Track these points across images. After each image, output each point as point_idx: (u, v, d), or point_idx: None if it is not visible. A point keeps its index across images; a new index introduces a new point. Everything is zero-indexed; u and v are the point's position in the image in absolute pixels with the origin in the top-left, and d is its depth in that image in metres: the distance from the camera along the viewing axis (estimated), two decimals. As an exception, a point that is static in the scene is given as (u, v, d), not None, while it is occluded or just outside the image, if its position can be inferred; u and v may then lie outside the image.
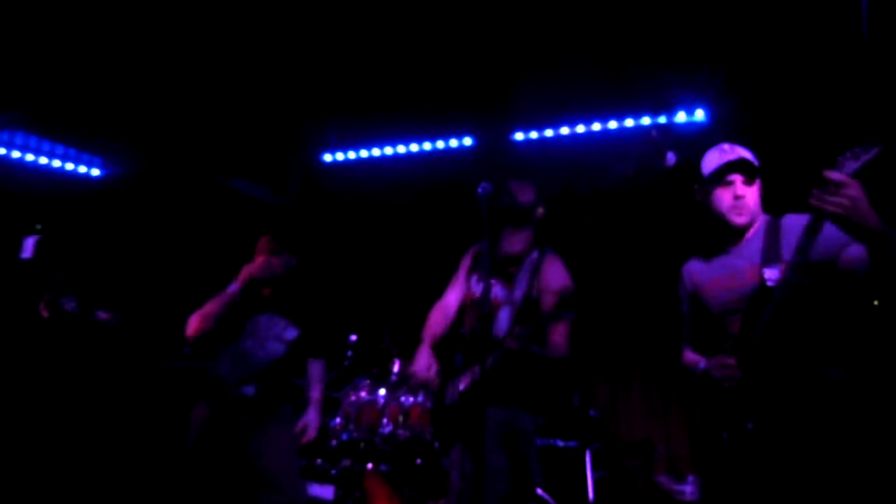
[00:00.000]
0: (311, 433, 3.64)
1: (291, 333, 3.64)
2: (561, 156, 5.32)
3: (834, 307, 2.47)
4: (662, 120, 5.06)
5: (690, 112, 5.01)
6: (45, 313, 4.36)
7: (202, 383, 3.61)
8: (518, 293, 3.10)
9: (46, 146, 6.10)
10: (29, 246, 4.54)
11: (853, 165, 2.21)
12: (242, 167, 6.12)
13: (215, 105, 5.33)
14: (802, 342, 2.42)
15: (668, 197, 4.90)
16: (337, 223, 6.31)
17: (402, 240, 6.13)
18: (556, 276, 3.12)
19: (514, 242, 3.21)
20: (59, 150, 6.18)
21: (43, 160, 6.06)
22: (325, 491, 4.37)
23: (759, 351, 2.43)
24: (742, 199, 2.57)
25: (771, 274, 2.45)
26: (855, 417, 2.43)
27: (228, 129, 5.67)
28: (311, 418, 3.66)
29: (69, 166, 6.25)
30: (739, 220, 2.59)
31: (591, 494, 4.18)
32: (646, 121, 5.15)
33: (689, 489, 4.58)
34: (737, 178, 2.58)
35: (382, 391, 4.68)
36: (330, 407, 4.88)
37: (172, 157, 6.02)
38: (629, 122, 5.20)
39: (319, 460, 4.63)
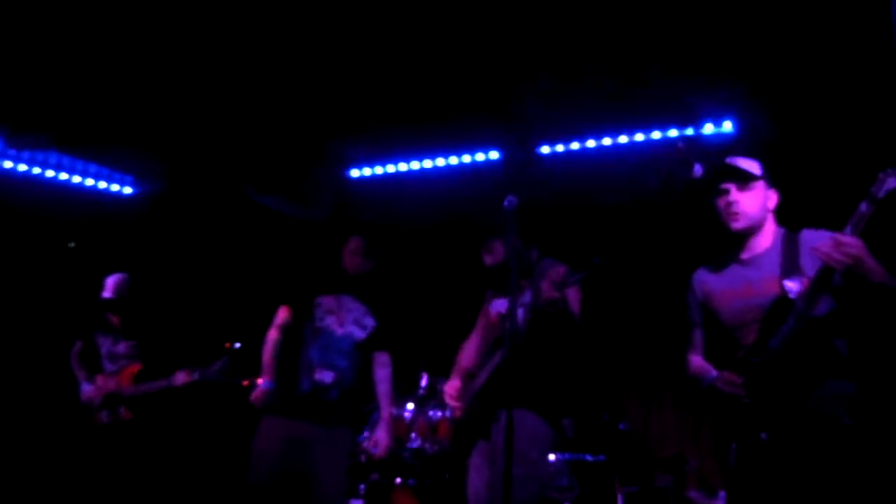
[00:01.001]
0: (381, 451, 3.72)
1: (370, 322, 3.80)
2: (587, 169, 5.31)
3: (847, 330, 2.56)
4: (690, 132, 5.03)
5: (718, 124, 4.98)
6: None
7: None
8: (527, 296, 3.15)
9: (79, 165, 6.21)
10: (110, 284, 4.60)
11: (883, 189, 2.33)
12: (273, 184, 6.19)
13: (244, 121, 5.39)
14: (819, 357, 2.47)
15: (698, 210, 4.87)
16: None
17: (428, 253, 6.14)
18: (552, 269, 3.14)
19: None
20: (92, 168, 6.29)
21: (76, 179, 6.17)
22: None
23: (776, 362, 2.47)
24: (735, 204, 2.65)
25: (792, 286, 2.51)
26: (866, 432, 2.48)
27: (258, 146, 5.74)
28: (382, 436, 3.74)
29: (102, 185, 6.36)
30: (735, 224, 2.67)
31: (621, 510, 4.15)
32: (673, 133, 5.12)
33: (720, 504, 4.51)
34: (730, 186, 2.67)
35: (410, 405, 4.69)
36: (359, 421, 4.90)
37: (203, 174, 6.10)
38: (656, 135, 5.17)
39: (348, 475, 4.63)
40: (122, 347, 4.55)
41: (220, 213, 6.36)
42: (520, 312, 3.10)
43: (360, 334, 3.77)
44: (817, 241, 2.48)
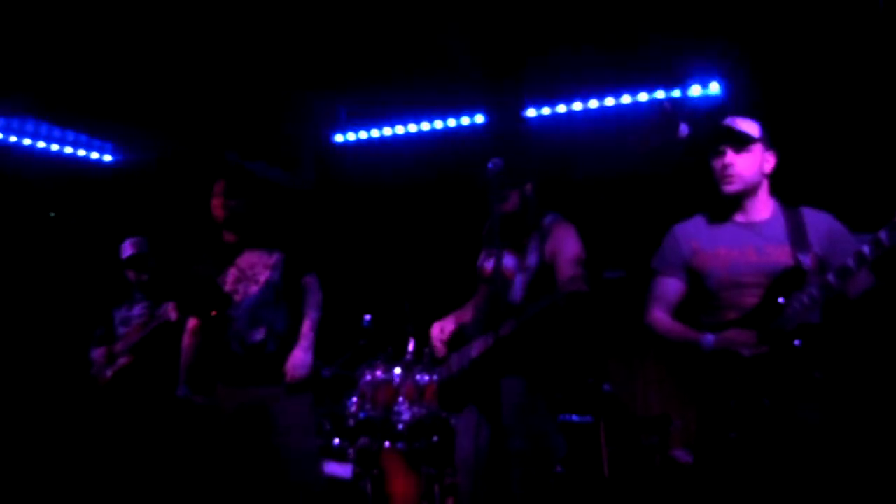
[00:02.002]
0: (295, 372, 3.42)
1: (275, 257, 3.63)
2: (574, 132, 5.28)
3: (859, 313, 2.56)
4: (677, 94, 5.01)
5: (705, 85, 4.96)
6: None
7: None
8: (531, 260, 3.04)
9: (57, 133, 6.11)
10: (129, 245, 4.55)
11: None
12: (256, 149, 6.12)
13: (226, 86, 5.31)
14: (826, 335, 2.49)
15: (684, 171, 4.87)
16: (351, 204, 6.30)
17: (415, 219, 6.11)
18: (569, 241, 3.04)
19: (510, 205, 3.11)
20: (70, 136, 6.19)
21: (55, 147, 6.08)
22: (344, 469, 4.40)
23: (787, 335, 2.46)
24: (730, 167, 2.61)
25: (805, 259, 2.51)
26: (867, 415, 2.51)
27: (239, 111, 5.66)
28: (298, 355, 3.45)
29: (81, 152, 6.26)
30: (729, 187, 2.64)
31: (606, 469, 4.19)
32: (660, 95, 5.10)
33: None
34: (726, 148, 2.63)
35: (398, 370, 4.69)
36: (346, 386, 4.91)
37: (185, 141, 6.02)
38: (643, 97, 5.15)
39: (337, 439, 4.66)
40: (137, 310, 4.53)
41: (203, 180, 6.29)
42: (518, 281, 3.03)
43: (275, 276, 3.59)
44: (823, 225, 2.56)
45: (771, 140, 2.69)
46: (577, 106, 5.33)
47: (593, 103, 5.29)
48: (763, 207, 2.67)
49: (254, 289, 3.58)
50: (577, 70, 5.12)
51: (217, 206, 3.65)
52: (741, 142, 2.61)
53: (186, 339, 3.79)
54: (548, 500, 2.97)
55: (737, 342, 2.52)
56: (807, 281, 2.48)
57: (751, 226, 2.65)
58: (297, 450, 3.40)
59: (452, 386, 3.18)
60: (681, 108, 4.77)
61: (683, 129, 4.28)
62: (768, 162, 2.67)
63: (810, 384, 2.47)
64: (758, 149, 2.64)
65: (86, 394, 4.55)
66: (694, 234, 2.75)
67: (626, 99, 5.19)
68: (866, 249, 2.33)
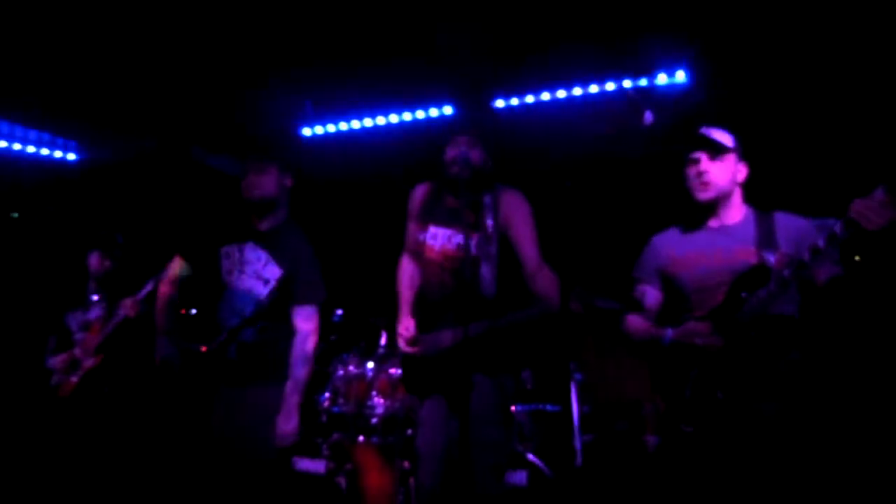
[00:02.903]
0: (282, 443, 3.16)
1: (273, 271, 3.29)
2: (543, 122, 5.28)
3: (812, 300, 2.61)
4: (644, 83, 5.03)
5: (671, 74, 4.98)
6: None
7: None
8: (492, 248, 2.95)
9: (19, 132, 6.00)
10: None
11: None
12: (221, 145, 6.05)
13: (190, 82, 5.24)
14: (784, 328, 2.55)
15: (650, 157, 4.89)
16: (320, 198, 6.25)
17: (385, 213, 6.08)
18: (522, 212, 3.01)
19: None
20: (33, 135, 6.08)
21: (17, 146, 5.97)
22: (317, 465, 4.38)
23: (742, 326, 2.53)
24: (704, 174, 2.69)
25: (770, 257, 2.56)
26: (818, 403, 2.57)
27: (204, 106, 5.59)
28: (283, 425, 3.16)
29: (44, 151, 6.15)
30: (702, 195, 2.71)
31: (579, 458, 4.21)
32: (627, 84, 5.11)
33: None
34: (701, 156, 2.70)
35: (371, 364, 4.68)
36: (319, 382, 4.88)
37: (150, 137, 5.94)
38: (610, 86, 5.16)
39: (310, 435, 4.63)
40: (94, 312, 4.42)
41: (169, 176, 6.22)
42: (486, 271, 2.93)
43: (261, 290, 3.26)
44: (794, 226, 2.60)
45: (743, 152, 2.76)
46: (546, 96, 5.33)
47: (561, 93, 5.29)
48: (735, 213, 2.74)
49: (238, 285, 3.33)
50: (546, 60, 5.11)
51: (249, 186, 3.34)
52: (715, 150, 2.69)
53: (164, 288, 3.47)
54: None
55: (692, 333, 2.62)
56: (770, 278, 2.53)
57: (722, 230, 2.73)
58: (249, 453, 3.20)
59: (419, 367, 3.05)
60: (645, 95, 4.78)
61: (648, 116, 4.30)
62: (741, 172, 2.75)
63: (767, 376, 2.52)
64: (731, 158, 2.72)
65: (46, 405, 4.37)
66: (669, 243, 2.85)
67: (593, 89, 5.21)
68: (821, 242, 2.38)
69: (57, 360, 4.36)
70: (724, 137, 2.74)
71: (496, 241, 2.96)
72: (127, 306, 4.02)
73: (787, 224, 2.65)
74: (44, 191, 6.19)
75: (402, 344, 3.05)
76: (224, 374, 3.34)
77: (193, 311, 5.00)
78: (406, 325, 3.05)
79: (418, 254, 3.16)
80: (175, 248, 3.58)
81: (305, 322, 3.29)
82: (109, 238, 4.47)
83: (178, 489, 4.09)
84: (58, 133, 6.15)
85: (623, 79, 5.12)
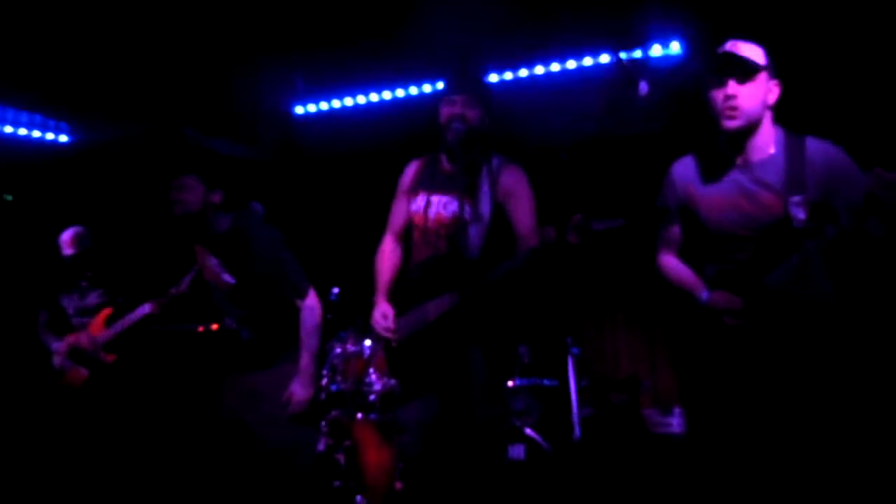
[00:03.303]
0: (294, 406, 3.15)
1: (229, 280, 3.21)
2: (537, 96, 5.24)
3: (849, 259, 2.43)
4: (638, 54, 4.98)
5: (665, 45, 4.93)
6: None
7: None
8: (485, 208, 2.88)
9: (11, 114, 5.96)
10: (68, 240, 4.44)
11: None
12: (215, 125, 6.00)
13: (182, 62, 5.19)
14: (814, 288, 2.38)
15: (646, 129, 4.87)
16: (314, 176, 6.23)
17: (379, 190, 6.05)
18: (522, 185, 2.95)
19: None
20: (24, 117, 6.04)
21: (8, 129, 5.93)
22: (318, 443, 4.39)
23: (772, 295, 2.35)
24: (733, 98, 2.37)
25: (797, 212, 2.31)
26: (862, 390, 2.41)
27: (197, 86, 5.54)
28: (296, 388, 3.15)
29: (36, 134, 6.11)
30: (730, 123, 2.39)
31: (577, 431, 4.23)
32: (621, 55, 5.06)
33: (675, 421, 4.64)
34: (728, 78, 2.38)
35: (368, 342, 4.66)
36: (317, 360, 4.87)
37: (142, 118, 5.90)
38: (605, 58, 5.12)
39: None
40: (92, 299, 4.43)
41: (163, 158, 6.17)
42: (474, 233, 2.84)
43: (231, 280, 3.21)
44: (826, 156, 2.36)
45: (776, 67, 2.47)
46: (540, 70, 5.28)
47: (555, 66, 5.24)
48: (764, 144, 2.44)
49: (216, 284, 3.33)
50: (539, 33, 5.06)
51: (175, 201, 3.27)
52: (745, 70, 2.37)
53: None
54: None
55: (722, 307, 2.43)
56: (801, 237, 2.32)
57: (750, 167, 2.44)
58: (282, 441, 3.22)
59: (404, 350, 2.96)
60: (639, 65, 4.72)
61: (643, 87, 4.24)
62: (773, 92, 2.45)
63: (798, 358, 2.36)
64: (762, 78, 2.40)
65: (51, 391, 4.37)
66: (690, 176, 2.57)
67: (588, 61, 5.16)
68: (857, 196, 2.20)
69: (61, 344, 4.34)
70: (754, 53, 2.40)
71: (490, 206, 2.89)
72: (146, 308, 4.06)
73: (818, 159, 2.37)
74: (36, 172, 6.14)
75: (380, 329, 2.97)
76: (236, 357, 3.34)
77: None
78: (383, 312, 2.97)
79: (410, 226, 3.10)
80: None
81: (304, 302, 3.25)
82: (80, 258, 4.46)
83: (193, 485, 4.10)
84: (50, 115, 6.11)
85: (617, 51, 5.08)
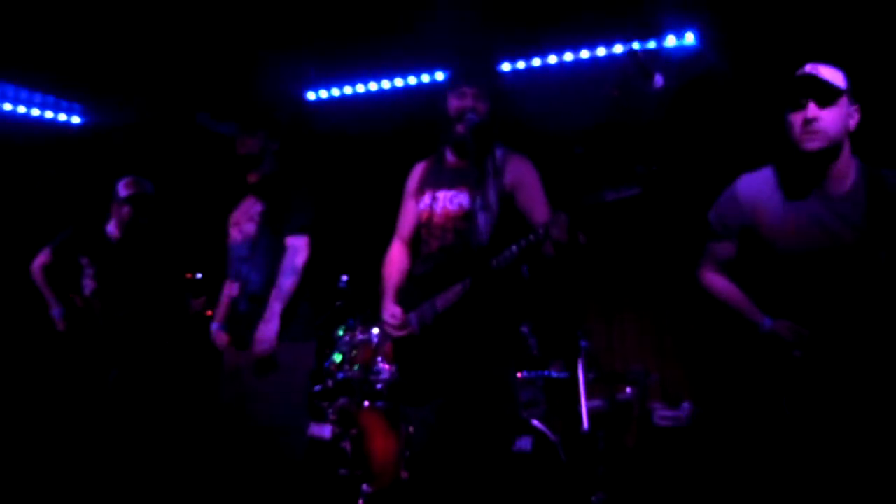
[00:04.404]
0: (256, 348, 3.17)
1: (258, 207, 3.44)
2: (551, 85, 5.20)
3: None
4: (652, 45, 4.94)
5: (680, 36, 4.88)
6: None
7: None
8: (492, 197, 2.84)
9: (24, 94, 5.97)
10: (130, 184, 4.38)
11: None
12: (226, 109, 5.99)
13: (194, 45, 5.18)
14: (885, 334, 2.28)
15: (662, 123, 4.82)
16: (325, 162, 6.21)
17: (391, 177, 6.04)
18: (530, 174, 2.90)
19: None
20: (38, 98, 6.05)
21: (21, 109, 5.94)
22: (323, 430, 4.41)
23: (845, 333, 2.29)
24: (814, 122, 2.31)
25: (883, 252, 2.27)
26: None
27: (209, 70, 5.53)
28: (261, 331, 3.17)
29: (48, 114, 6.12)
30: (811, 144, 2.32)
31: (585, 424, 4.23)
32: (635, 46, 5.02)
33: (683, 414, 4.63)
34: (809, 101, 2.33)
35: (376, 330, 4.68)
36: (325, 346, 4.89)
37: (154, 102, 5.89)
38: (618, 49, 5.07)
39: (316, 400, 4.67)
40: (115, 268, 4.30)
41: (175, 141, 6.18)
42: (482, 220, 2.79)
43: (250, 228, 3.41)
44: None
45: (854, 92, 2.41)
46: (553, 59, 5.24)
47: (568, 56, 5.20)
48: (843, 175, 2.38)
49: (238, 237, 3.45)
50: (552, 23, 5.02)
51: (237, 143, 3.52)
52: (827, 94, 2.32)
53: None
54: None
55: (788, 337, 2.37)
56: (879, 277, 2.26)
57: (828, 201, 2.38)
58: (269, 418, 3.22)
59: (414, 345, 2.91)
60: (654, 57, 4.67)
61: (658, 79, 4.19)
62: (853, 117, 2.39)
63: (873, 399, 2.27)
64: (843, 102, 2.35)
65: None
66: (759, 196, 2.48)
67: (601, 51, 5.12)
68: None
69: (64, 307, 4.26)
70: (835, 76, 2.35)
71: (497, 196, 2.85)
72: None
73: None
74: (48, 153, 6.16)
75: (390, 331, 2.94)
76: (237, 334, 3.36)
77: (199, 276, 5.00)
78: (392, 312, 2.93)
79: (418, 229, 3.07)
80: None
81: (295, 241, 3.33)
82: (143, 199, 4.36)
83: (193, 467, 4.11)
84: (62, 96, 6.11)
85: (631, 41, 5.03)
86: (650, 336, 5.41)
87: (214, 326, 3.56)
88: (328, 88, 5.88)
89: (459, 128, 2.88)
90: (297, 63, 5.54)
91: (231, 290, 3.47)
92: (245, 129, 3.49)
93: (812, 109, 2.32)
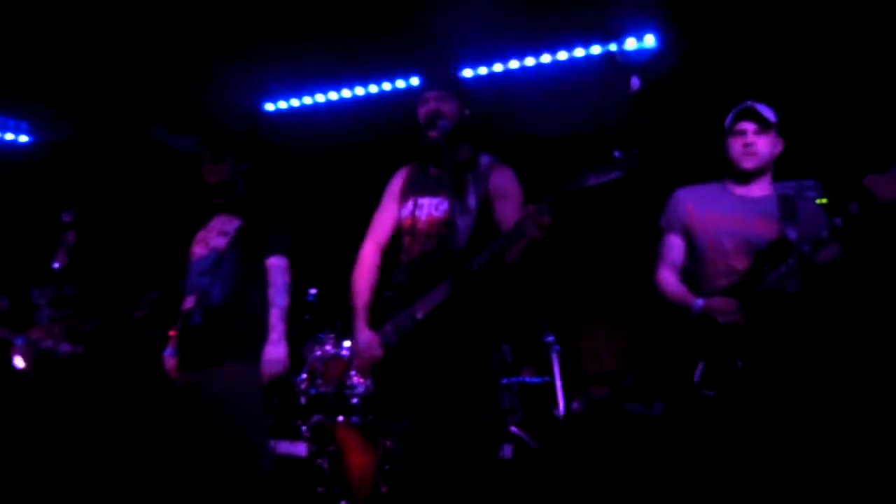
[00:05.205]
0: (272, 370, 3.18)
1: (234, 223, 3.38)
2: (514, 92, 5.19)
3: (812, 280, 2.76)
4: (613, 48, 4.96)
5: (640, 38, 4.92)
6: None
7: None
8: (472, 202, 2.83)
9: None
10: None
11: None
12: (179, 123, 5.85)
13: (147, 57, 5.03)
14: (797, 305, 2.68)
15: (630, 127, 4.85)
16: (286, 174, 6.11)
17: (354, 187, 5.97)
18: (513, 184, 2.88)
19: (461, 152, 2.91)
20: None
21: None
22: (298, 448, 4.31)
23: (762, 301, 2.65)
24: (752, 145, 2.79)
25: (791, 232, 2.69)
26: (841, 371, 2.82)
27: (161, 84, 5.38)
28: (271, 353, 3.18)
29: (-6, 133, 5.91)
30: (748, 163, 2.80)
31: (564, 429, 4.22)
32: (596, 50, 5.05)
33: (655, 413, 4.65)
34: (748, 127, 2.81)
35: (348, 343, 4.59)
36: (294, 364, 4.78)
37: (107, 117, 5.72)
38: (579, 52, 5.09)
39: (289, 418, 4.56)
40: (70, 291, 4.27)
41: (127, 157, 6.01)
42: (463, 224, 2.77)
43: (221, 242, 3.33)
44: (812, 209, 2.79)
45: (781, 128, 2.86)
46: (514, 64, 5.23)
47: (530, 61, 5.20)
48: (763, 187, 2.87)
49: (202, 252, 3.38)
50: (513, 28, 5.01)
51: (204, 172, 3.49)
52: (762, 123, 2.80)
53: None
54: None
55: (717, 309, 2.71)
56: (791, 253, 2.65)
57: (747, 199, 2.85)
58: (230, 439, 3.14)
59: (391, 357, 2.82)
60: (632, 60, 4.70)
61: (635, 82, 4.24)
62: (777, 147, 2.87)
63: (784, 347, 2.67)
64: (773, 133, 2.84)
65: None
66: (691, 197, 2.95)
67: (562, 55, 5.13)
68: (838, 221, 2.53)
69: (23, 339, 4.16)
70: (769, 113, 2.83)
71: (477, 201, 2.83)
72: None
73: (807, 206, 2.81)
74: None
75: (366, 360, 2.85)
76: (188, 351, 3.27)
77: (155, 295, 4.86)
78: (364, 340, 2.85)
79: (398, 234, 3.01)
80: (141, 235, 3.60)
81: (279, 261, 3.35)
82: (82, 221, 4.31)
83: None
84: (9, 114, 5.90)
85: (592, 45, 5.05)
86: (619, 336, 5.43)
87: (168, 352, 3.47)
88: (287, 99, 5.77)
89: (432, 134, 2.85)
90: (253, 73, 5.42)
91: (187, 303, 3.37)
92: (212, 159, 3.45)
93: (751, 135, 2.81)
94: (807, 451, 2.61)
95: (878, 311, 3.94)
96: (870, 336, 3.91)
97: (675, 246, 2.97)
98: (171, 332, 3.58)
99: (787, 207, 2.79)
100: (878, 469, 3.51)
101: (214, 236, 3.40)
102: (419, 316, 2.77)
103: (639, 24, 4.87)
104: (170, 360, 3.44)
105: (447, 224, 2.80)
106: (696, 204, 2.92)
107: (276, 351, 3.22)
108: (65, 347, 4.11)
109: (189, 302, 3.32)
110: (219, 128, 4.97)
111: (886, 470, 3.49)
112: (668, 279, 2.94)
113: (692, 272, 2.91)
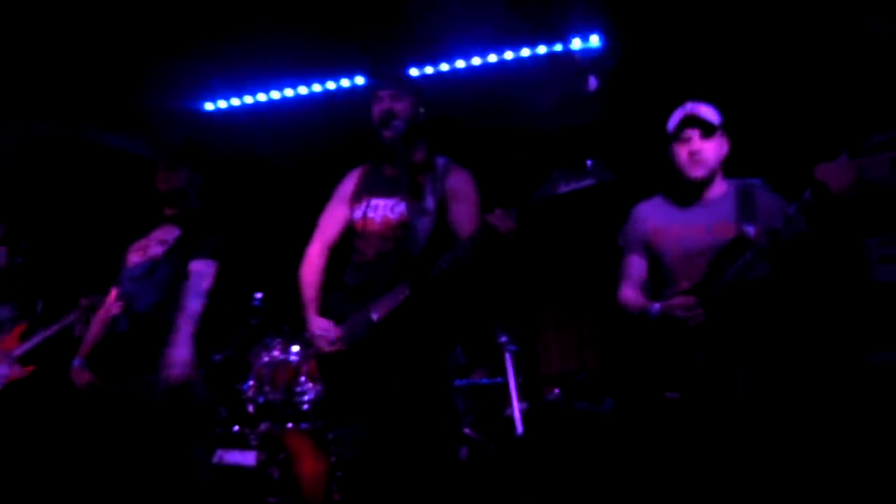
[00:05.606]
0: (175, 372, 3.00)
1: (174, 233, 3.33)
2: (462, 91, 5.17)
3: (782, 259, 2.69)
4: (558, 48, 4.98)
5: (585, 38, 4.95)
6: None
7: None
8: (429, 203, 2.81)
9: None
10: None
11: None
12: (114, 121, 5.63)
13: (76, 52, 4.81)
14: (759, 290, 2.63)
15: (589, 126, 4.87)
16: (227, 177, 5.94)
17: (299, 189, 5.85)
18: (468, 187, 2.86)
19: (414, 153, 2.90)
20: None
21: None
22: (247, 457, 4.18)
23: (721, 293, 2.61)
24: (698, 153, 2.72)
25: (749, 229, 2.63)
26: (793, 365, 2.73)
27: (92, 79, 5.15)
28: (170, 355, 3.01)
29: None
30: (696, 172, 2.74)
31: (519, 427, 4.20)
32: (542, 50, 5.06)
33: (604, 410, 4.68)
34: (693, 134, 2.73)
35: (296, 348, 4.49)
36: (240, 370, 4.66)
37: (37, 117, 5.46)
38: (525, 52, 5.10)
39: (237, 427, 4.43)
40: (5, 312, 4.15)
41: (58, 159, 5.75)
42: (422, 225, 2.73)
43: (158, 251, 3.29)
44: (770, 201, 2.70)
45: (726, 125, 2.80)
46: (461, 64, 5.21)
47: (476, 60, 5.18)
48: (718, 188, 2.80)
49: (137, 259, 3.32)
50: (458, 27, 4.98)
51: (158, 178, 3.43)
52: (706, 129, 2.73)
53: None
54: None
55: (676, 306, 2.66)
56: (748, 248, 2.61)
57: (704, 204, 2.80)
58: (162, 451, 3.05)
59: (343, 360, 2.77)
60: (591, 59, 4.73)
61: (592, 82, 4.26)
62: (724, 147, 2.80)
63: (744, 339, 2.61)
64: (719, 135, 2.77)
65: None
66: (650, 213, 2.90)
67: (508, 55, 5.12)
68: (791, 210, 2.50)
69: None
70: (712, 115, 2.77)
71: (435, 202, 2.81)
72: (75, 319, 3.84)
73: (765, 199, 2.74)
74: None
75: (322, 345, 2.78)
76: (110, 363, 3.16)
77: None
78: (320, 326, 2.81)
79: (349, 235, 2.96)
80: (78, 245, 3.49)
81: (201, 266, 3.24)
82: (12, 233, 4.15)
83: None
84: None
85: (537, 45, 5.06)
86: (570, 336, 5.46)
87: (77, 362, 3.30)
88: (227, 98, 5.61)
89: (387, 134, 2.81)
90: (193, 71, 5.24)
91: (113, 309, 3.27)
92: (168, 166, 3.42)
93: (696, 142, 2.74)
94: (761, 448, 2.57)
95: (826, 305, 4.04)
96: (820, 330, 4.01)
97: (635, 264, 2.93)
98: (88, 341, 3.39)
99: (745, 203, 2.73)
100: (831, 461, 3.59)
101: (154, 245, 3.36)
102: (375, 318, 2.72)
103: (584, 25, 4.91)
104: (81, 373, 3.26)
105: (403, 226, 2.77)
106: (656, 220, 2.87)
107: (177, 353, 3.04)
108: (2, 371, 3.92)
109: (116, 308, 3.24)
110: (177, 136, 4.90)
111: (837, 462, 3.57)
112: (629, 294, 2.90)
113: (656, 285, 2.87)
